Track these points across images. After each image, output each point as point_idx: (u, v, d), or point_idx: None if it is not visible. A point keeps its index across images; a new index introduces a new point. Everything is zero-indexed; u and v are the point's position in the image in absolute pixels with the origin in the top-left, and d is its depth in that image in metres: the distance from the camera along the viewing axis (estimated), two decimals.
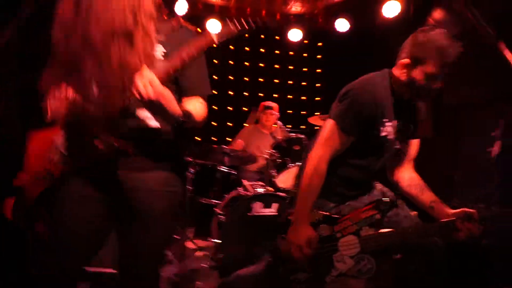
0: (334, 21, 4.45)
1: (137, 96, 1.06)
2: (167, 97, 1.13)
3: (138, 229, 1.27)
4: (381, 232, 1.61)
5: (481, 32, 2.46)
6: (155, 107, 1.13)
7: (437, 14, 2.97)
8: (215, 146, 3.30)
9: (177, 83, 1.26)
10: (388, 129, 1.63)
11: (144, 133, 1.23)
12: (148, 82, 1.05)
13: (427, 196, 1.73)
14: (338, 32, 4.46)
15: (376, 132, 1.61)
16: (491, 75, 2.74)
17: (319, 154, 1.63)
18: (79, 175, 1.25)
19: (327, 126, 1.65)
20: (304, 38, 4.78)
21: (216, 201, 3.29)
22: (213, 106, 4.97)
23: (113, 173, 1.22)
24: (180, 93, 1.28)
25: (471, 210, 1.55)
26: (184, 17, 3.79)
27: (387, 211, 1.63)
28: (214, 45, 1.13)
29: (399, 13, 3.85)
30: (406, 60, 1.57)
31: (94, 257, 1.33)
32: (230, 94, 5.00)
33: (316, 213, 1.65)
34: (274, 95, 5.05)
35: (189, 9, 4.06)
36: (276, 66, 5.18)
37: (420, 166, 1.81)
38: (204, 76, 1.35)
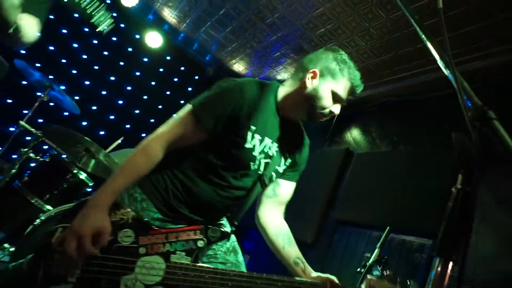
0: None
1: None
2: None
3: None
4: (198, 265, 1.21)
5: None
6: None
7: None
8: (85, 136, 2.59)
9: None
10: (256, 142, 1.35)
11: None
12: None
13: (293, 251, 1.46)
14: None
15: (236, 138, 1.32)
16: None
17: (158, 132, 1.30)
18: None
19: (182, 109, 1.35)
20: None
21: (49, 207, 2.60)
22: None
23: None
24: None
25: (334, 278, 1.38)
26: None
27: (216, 241, 1.26)
28: None
29: None
30: (314, 70, 1.38)
31: None
32: None
33: (127, 212, 1.21)
34: None
35: None
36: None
37: None
38: None
